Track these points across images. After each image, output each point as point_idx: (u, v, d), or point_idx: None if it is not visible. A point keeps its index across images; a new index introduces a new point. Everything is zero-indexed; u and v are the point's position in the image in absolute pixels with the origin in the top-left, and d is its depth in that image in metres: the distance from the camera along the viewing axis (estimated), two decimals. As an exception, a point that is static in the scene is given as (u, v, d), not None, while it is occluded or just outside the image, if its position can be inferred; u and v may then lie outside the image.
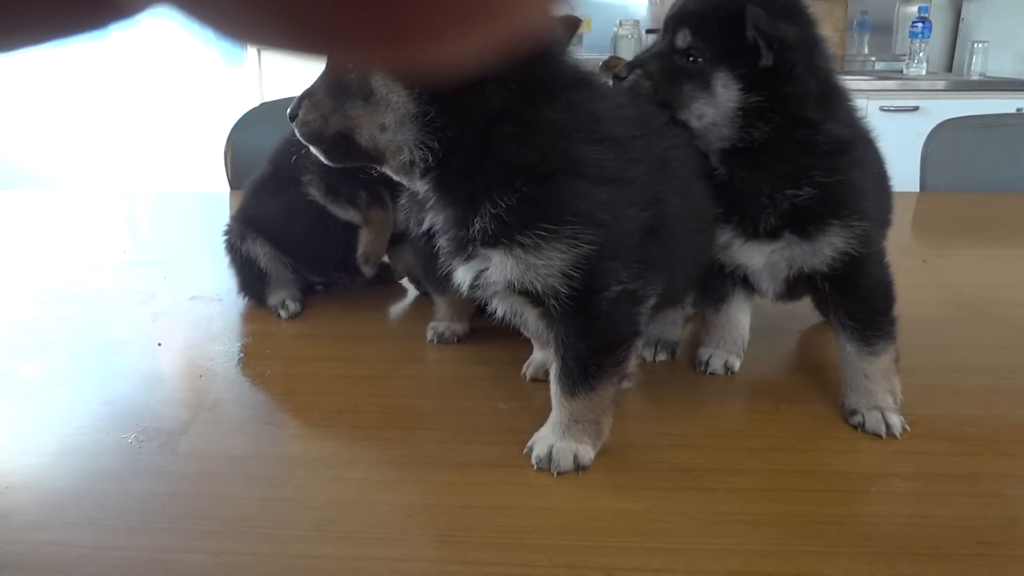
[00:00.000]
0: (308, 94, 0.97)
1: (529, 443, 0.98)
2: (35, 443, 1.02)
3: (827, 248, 1.04)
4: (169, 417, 1.08)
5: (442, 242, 0.97)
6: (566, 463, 0.94)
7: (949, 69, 5.12)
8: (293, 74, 4.21)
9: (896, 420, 1.03)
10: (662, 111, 1.04)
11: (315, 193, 1.39)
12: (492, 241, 0.91)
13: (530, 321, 1.00)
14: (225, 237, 1.52)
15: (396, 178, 0.99)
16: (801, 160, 1.00)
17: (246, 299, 1.50)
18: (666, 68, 1.02)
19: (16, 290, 1.62)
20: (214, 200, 2.49)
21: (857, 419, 1.05)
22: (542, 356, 1.16)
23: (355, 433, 1.04)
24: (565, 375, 0.95)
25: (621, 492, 0.91)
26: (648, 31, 4.90)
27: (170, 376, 1.24)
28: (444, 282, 1.18)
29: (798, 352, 1.32)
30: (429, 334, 1.31)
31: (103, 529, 0.85)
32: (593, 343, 0.94)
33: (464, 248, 0.94)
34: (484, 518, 0.86)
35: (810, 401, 1.13)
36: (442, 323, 1.32)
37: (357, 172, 1.16)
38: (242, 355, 1.28)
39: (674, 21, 1.02)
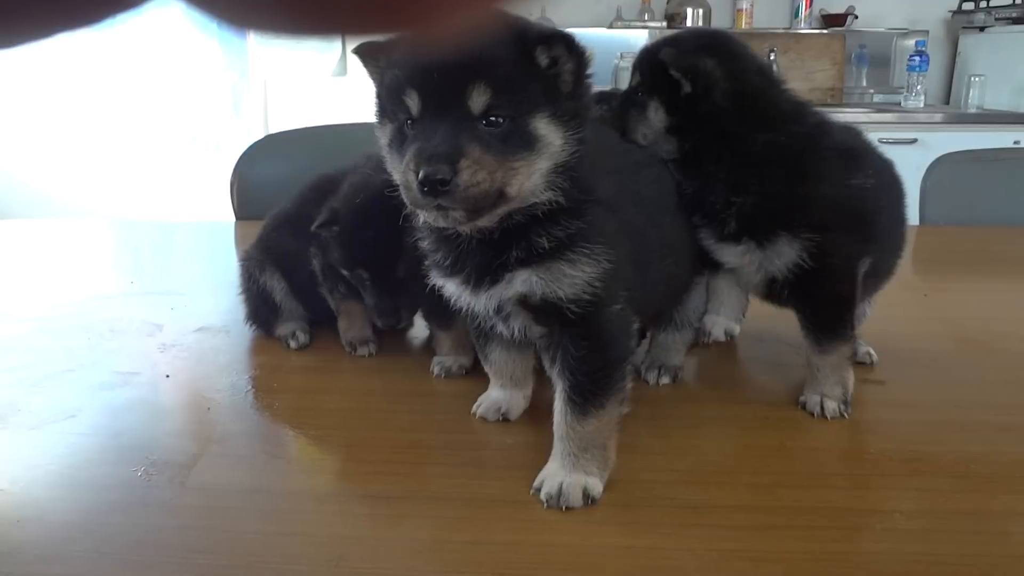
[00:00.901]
0: (455, 154, 0.87)
1: (537, 481, 0.99)
2: (45, 475, 1.03)
3: (776, 259, 1.16)
4: (178, 450, 1.09)
5: (456, 280, 1.02)
6: (576, 499, 0.95)
7: (947, 102, 5.17)
8: (298, 106, 4.25)
9: (832, 406, 1.17)
10: (634, 149, 1.21)
11: (314, 264, 1.43)
12: (529, 260, 0.97)
13: (533, 337, 1.06)
14: (242, 263, 1.53)
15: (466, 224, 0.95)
16: (738, 170, 1.15)
17: (253, 328, 1.51)
18: (623, 102, 1.23)
19: (24, 320, 1.63)
20: (220, 230, 2.51)
21: (801, 400, 1.20)
22: (499, 395, 1.19)
23: (364, 467, 1.04)
24: (576, 394, 0.99)
25: (628, 528, 0.91)
26: (649, 63, 4.94)
27: (178, 408, 1.25)
28: (450, 318, 1.21)
29: (801, 388, 1.32)
30: (436, 369, 1.32)
31: (114, 563, 0.85)
32: (602, 354, 1.00)
33: (492, 275, 0.99)
34: (493, 554, 0.86)
35: (814, 437, 1.14)
36: (448, 357, 1.33)
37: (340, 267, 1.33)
38: (250, 388, 1.29)
39: (632, 68, 1.24)
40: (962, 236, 2.36)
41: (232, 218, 2.54)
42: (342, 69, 4.18)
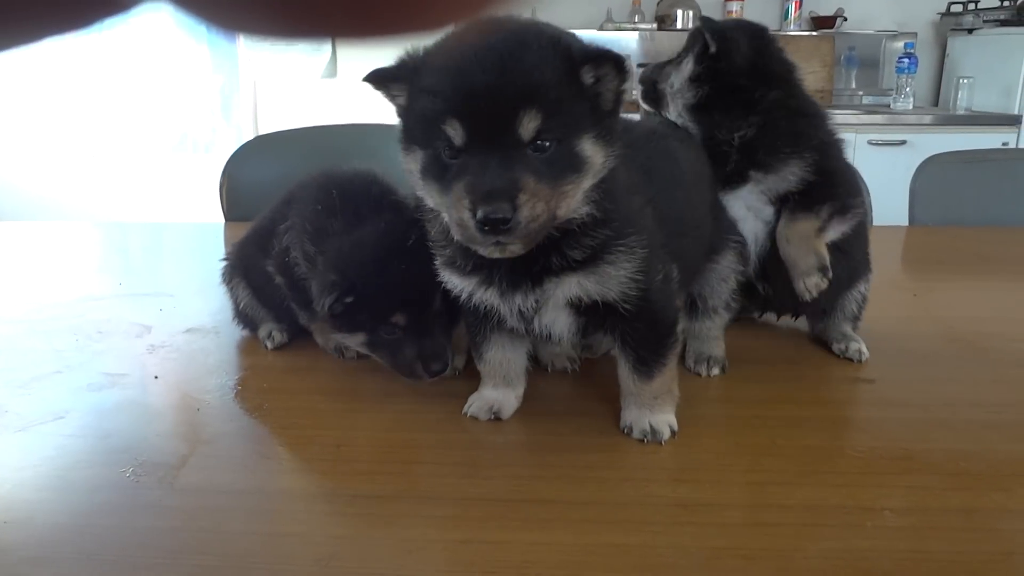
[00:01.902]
0: (513, 189, 0.87)
1: (624, 423, 1.11)
2: (33, 477, 1.02)
3: (790, 175, 1.31)
4: (167, 451, 1.08)
5: (479, 281, 1.04)
6: (666, 433, 1.09)
7: (935, 104, 5.20)
8: (288, 108, 4.25)
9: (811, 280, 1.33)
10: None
11: (279, 280, 1.35)
12: (571, 267, 1.01)
13: (558, 332, 1.09)
14: (221, 268, 1.53)
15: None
16: (745, 116, 1.33)
17: (241, 328, 1.50)
18: (663, 65, 1.44)
19: (11, 322, 1.61)
20: (209, 232, 2.50)
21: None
22: (491, 394, 1.19)
23: (354, 467, 1.04)
24: (640, 364, 1.09)
25: (619, 526, 0.91)
26: (639, 65, 4.96)
27: (167, 409, 1.24)
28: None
29: (794, 386, 1.33)
30: None
31: (102, 564, 0.85)
32: (657, 330, 1.09)
33: (532, 278, 1.02)
34: (484, 553, 0.86)
35: (806, 435, 1.14)
36: None
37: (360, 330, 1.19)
38: (239, 388, 1.28)
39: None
40: (951, 237, 2.37)
41: (222, 219, 2.54)
42: (332, 71, 4.18)
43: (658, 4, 5.25)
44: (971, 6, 4.92)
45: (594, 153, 0.93)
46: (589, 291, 1.02)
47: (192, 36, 4.29)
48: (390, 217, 1.19)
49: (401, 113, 0.98)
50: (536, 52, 0.89)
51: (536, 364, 1.30)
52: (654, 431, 1.09)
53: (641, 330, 1.07)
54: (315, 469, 1.06)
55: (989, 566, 0.85)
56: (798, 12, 5.16)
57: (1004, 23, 4.68)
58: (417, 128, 0.94)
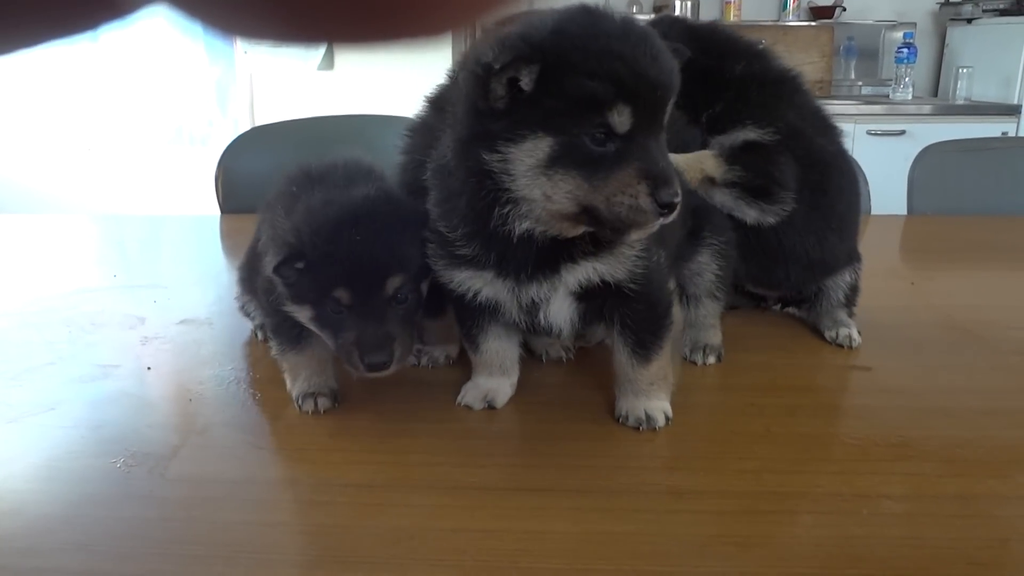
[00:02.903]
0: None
1: (618, 411, 1.11)
2: (23, 468, 1.02)
3: (740, 136, 1.35)
4: (159, 442, 1.08)
5: (491, 275, 1.06)
6: (661, 420, 1.09)
7: (935, 94, 5.19)
8: (284, 101, 4.23)
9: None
10: None
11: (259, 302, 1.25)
12: (592, 253, 1.03)
13: (559, 322, 1.09)
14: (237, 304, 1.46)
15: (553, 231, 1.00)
16: (714, 92, 1.37)
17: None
18: None
19: (4, 315, 1.61)
20: (205, 224, 2.49)
21: None
22: (485, 382, 1.19)
23: (346, 456, 1.03)
24: (639, 347, 1.10)
25: (612, 515, 0.91)
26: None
27: (160, 400, 1.24)
28: (441, 307, 1.19)
29: (789, 374, 1.32)
30: (423, 359, 1.31)
31: (92, 555, 0.84)
32: (656, 310, 1.10)
33: (548, 266, 1.04)
34: (476, 541, 0.86)
35: (801, 423, 1.13)
36: (435, 347, 1.31)
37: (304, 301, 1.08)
38: (232, 379, 1.27)
39: None
40: (949, 225, 2.36)
41: (218, 212, 2.53)
42: (328, 64, 4.16)
43: (656, -5, 5.24)
44: (970, -5, 4.91)
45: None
46: (602, 273, 1.04)
47: (188, 36, 4.28)
48: (365, 189, 1.09)
49: (515, 100, 0.91)
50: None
51: (530, 354, 1.29)
52: (649, 418, 1.09)
53: (641, 311, 1.09)
54: (307, 458, 1.05)
55: (985, 553, 0.84)
56: (797, 2, 5.14)
57: (1003, 12, 4.67)
58: (554, 114, 0.90)
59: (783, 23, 5.13)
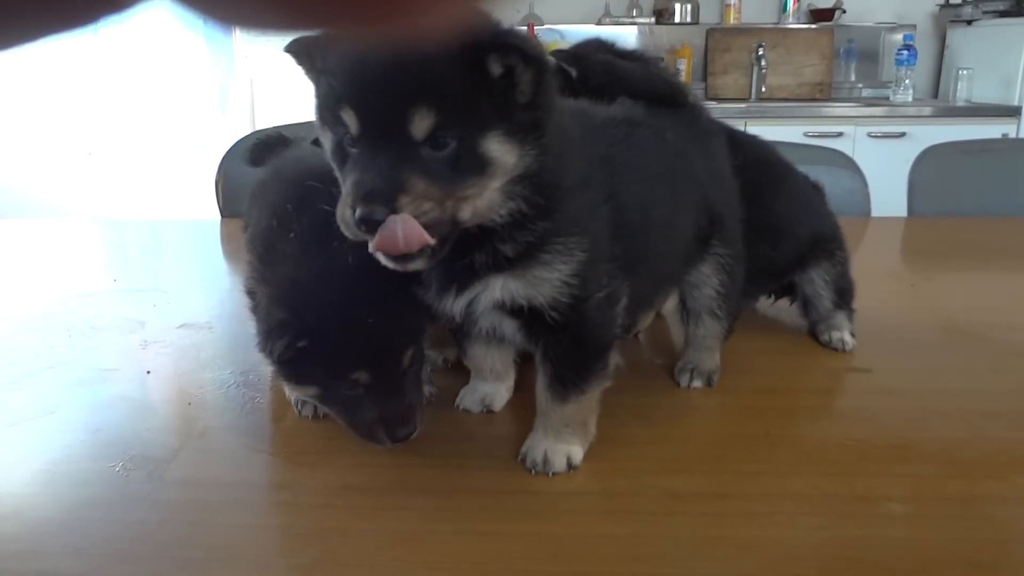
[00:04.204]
0: (395, 190, 0.79)
1: (522, 450, 1.02)
2: (22, 472, 1.02)
3: None
4: (158, 445, 1.08)
5: (429, 280, 0.96)
6: (560, 465, 0.99)
7: (935, 95, 5.19)
8: (284, 102, 4.24)
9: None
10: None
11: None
12: (499, 267, 0.92)
13: (508, 334, 1.01)
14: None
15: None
16: None
17: None
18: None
19: (4, 319, 1.61)
20: (206, 228, 2.49)
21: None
22: (481, 387, 1.17)
23: (345, 460, 1.03)
24: (557, 382, 0.99)
25: (611, 517, 0.91)
26: (637, 59, 4.94)
27: (159, 404, 1.24)
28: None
29: (787, 376, 1.32)
30: None
31: (91, 558, 0.84)
32: (584, 350, 0.99)
33: (459, 280, 0.93)
34: (474, 544, 0.86)
35: (800, 425, 1.13)
36: (432, 351, 1.31)
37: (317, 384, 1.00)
38: (232, 382, 1.27)
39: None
40: (949, 227, 2.36)
41: (218, 216, 2.53)
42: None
43: (656, -2, 5.24)
44: (970, -3, 4.91)
45: (503, 152, 0.84)
46: (515, 294, 0.93)
47: (189, 32, 4.29)
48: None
49: (314, 90, 0.89)
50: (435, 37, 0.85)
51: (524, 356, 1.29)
52: (547, 461, 0.99)
53: (565, 345, 0.98)
54: (305, 462, 1.05)
55: (984, 554, 0.84)
56: (796, 5, 5.14)
57: (1003, 14, 4.66)
58: (325, 109, 0.86)
59: (783, 25, 5.14)
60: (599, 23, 5.15)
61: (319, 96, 0.87)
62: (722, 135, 1.28)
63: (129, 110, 4.42)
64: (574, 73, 1.25)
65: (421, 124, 0.79)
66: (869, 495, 0.95)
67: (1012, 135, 4.37)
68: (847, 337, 1.38)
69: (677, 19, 5.17)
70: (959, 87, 4.76)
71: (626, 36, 5.13)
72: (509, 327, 1.00)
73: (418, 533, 0.88)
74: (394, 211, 0.78)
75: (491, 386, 1.17)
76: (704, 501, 0.94)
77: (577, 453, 1.01)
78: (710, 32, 5.11)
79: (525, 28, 4.85)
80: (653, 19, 5.18)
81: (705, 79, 5.12)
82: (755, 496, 0.95)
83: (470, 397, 1.17)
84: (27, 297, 1.77)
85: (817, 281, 1.42)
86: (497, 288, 0.93)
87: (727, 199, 1.23)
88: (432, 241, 0.81)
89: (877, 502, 0.93)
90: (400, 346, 0.98)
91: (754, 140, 1.45)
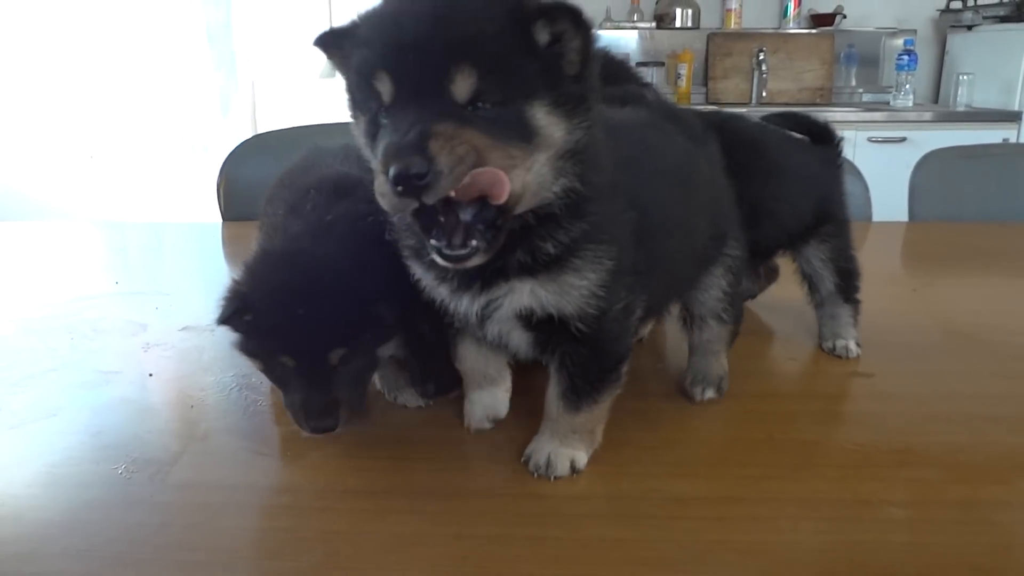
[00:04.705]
0: (426, 137, 0.74)
1: (526, 452, 1.02)
2: (23, 474, 1.02)
3: None
4: (159, 448, 1.08)
5: (445, 283, 0.93)
6: (563, 469, 0.98)
7: (935, 100, 5.19)
8: (286, 108, 4.24)
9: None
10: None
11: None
12: (531, 270, 0.89)
13: (513, 344, 0.99)
14: None
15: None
16: None
17: None
18: None
19: (7, 321, 1.61)
20: (207, 231, 2.49)
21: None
22: (481, 399, 1.11)
23: (347, 463, 1.03)
24: (572, 393, 0.98)
25: (615, 521, 0.91)
26: (638, 64, 4.96)
27: (161, 407, 1.24)
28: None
29: (790, 380, 1.32)
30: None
31: (92, 561, 0.84)
32: (601, 361, 0.98)
33: (483, 279, 0.90)
34: (478, 548, 0.85)
35: (803, 429, 1.13)
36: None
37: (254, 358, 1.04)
38: (234, 385, 1.27)
39: None
40: (950, 232, 2.36)
41: (219, 219, 2.53)
42: (331, 70, 4.17)
43: (657, 3, 5.25)
44: (970, 2, 4.91)
45: (550, 123, 0.80)
46: (544, 302, 0.90)
47: (191, 34, 4.29)
48: (328, 243, 1.03)
49: (345, 77, 0.87)
50: (477, 4, 0.78)
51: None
52: (549, 464, 0.98)
53: (584, 357, 0.96)
54: (307, 465, 1.05)
55: (987, 559, 0.84)
56: (797, 10, 5.15)
57: (1003, 19, 4.67)
58: (357, 89, 0.83)
59: (783, 31, 5.15)
60: (600, 27, 5.15)
61: (350, 77, 0.85)
62: (715, 141, 1.24)
63: (131, 113, 4.42)
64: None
65: (463, 84, 0.76)
66: (872, 499, 0.95)
67: (1012, 140, 4.37)
68: (852, 346, 1.38)
69: (678, 24, 5.17)
70: (959, 92, 4.77)
71: (627, 41, 5.14)
72: (518, 338, 0.97)
73: (420, 536, 0.88)
74: (430, 159, 0.72)
75: (489, 394, 1.12)
76: (707, 505, 0.93)
77: (581, 458, 1.00)
78: (711, 37, 5.12)
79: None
80: (654, 24, 5.19)
81: (706, 84, 5.13)
82: (758, 500, 0.95)
83: (475, 415, 1.11)
84: (29, 299, 1.77)
85: (814, 261, 1.41)
86: (525, 293, 0.90)
87: (729, 203, 1.22)
88: (499, 192, 0.77)
89: (880, 506, 0.93)
90: (327, 344, 0.99)
91: (733, 121, 1.42)
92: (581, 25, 0.80)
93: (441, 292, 0.95)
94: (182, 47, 4.32)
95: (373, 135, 0.82)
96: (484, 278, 0.90)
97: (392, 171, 0.73)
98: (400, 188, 0.73)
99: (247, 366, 1.34)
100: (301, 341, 0.99)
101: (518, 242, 0.87)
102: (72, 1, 4.25)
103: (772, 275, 1.63)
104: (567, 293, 0.90)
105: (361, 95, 0.83)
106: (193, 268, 2.13)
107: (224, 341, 1.47)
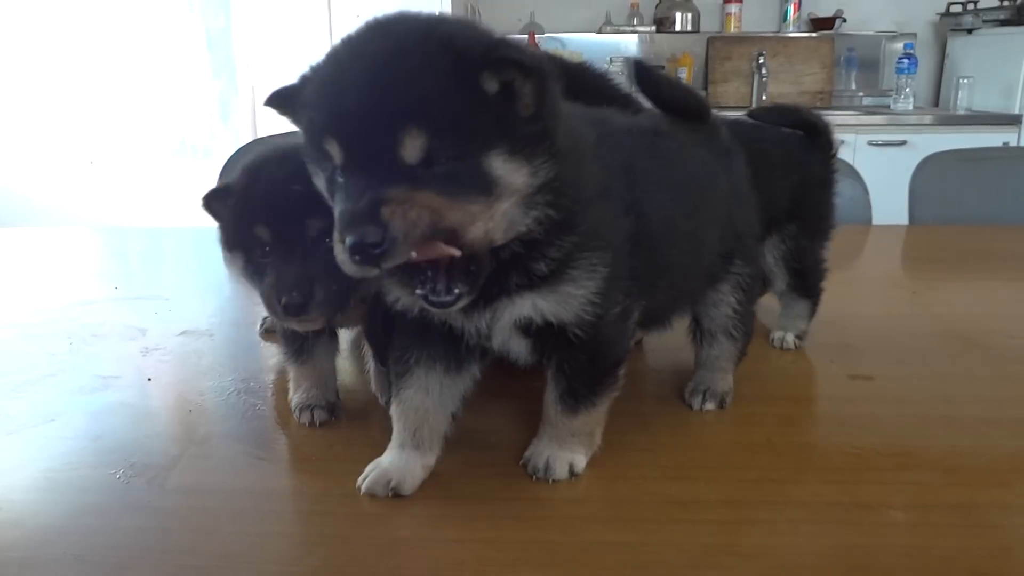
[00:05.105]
0: (379, 204, 0.74)
1: (526, 455, 1.01)
2: (22, 479, 1.01)
3: None
4: (158, 452, 1.07)
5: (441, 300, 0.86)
6: (562, 472, 0.98)
7: (935, 104, 5.20)
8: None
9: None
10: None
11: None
12: (531, 284, 0.89)
13: (514, 351, 0.97)
14: None
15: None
16: None
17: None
18: None
19: (5, 327, 1.61)
20: (206, 236, 2.49)
21: None
22: (391, 462, 0.99)
23: (346, 467, 1.02)
24: (569, 396, 0.98)
25: (613, 524, 0.90)
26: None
27: (160, 411, 1.23)
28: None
29: (789, 384, 1.32)
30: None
31: (90, 566, 0.84)
32: (598, 364, 0.98)
33: (486, 295, 0.89)
34: (476, 551, 0.85)
35: (803, 432, 1.13)
36: None
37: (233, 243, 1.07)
38: (232, 390, 1.27)
39: None
40: (950, 235, 2.36)
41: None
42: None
43: (657, 6, 5.25)
44: (970, 6, 4.92)
45: (509, 171, 0.79)
46: (544, 312, 0.90)
47: (191, 40, 4.30)
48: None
49: (302, 132, 0.86)
50: (421, 59, 0.76)
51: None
52: (548, 467, 0.98)
53: (581, 361, 0.96)
54: (306, 469, 1.05)
55: (988, 562, 0.84)
56: (797, 14, 5.16)
57: (1004, 23, 4.67)
58: (311, 149, 0.83)
59: (783, 34, 5.15)
60: (600, 32, 5.16)
61: (305, 136, 0.84)
62: (741, 152, 1.22)
63: (131, 118, 4.43)
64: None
65: (412, 146, 0.75)
66: (871, 503, 0.94)
67: (1013, 143, 4.37)
68: (788, 338, 1.40)
69: (678, 27, 5.18)
70: (959, 96, 4.77)
71: (627, 44, 5.14)
72: (518, 345, 0.96)
73: (419, 540, 0.88)
74: (384, 225, 0.73)
75: (405, 459, 0.99)
76: (706, 508, 0.93)
77: (580, 461, 1.00)
78: (711, 40, 5.13)
79: (526, 37, 4.86)
80: (654, 27, 5.20)
81: (706, 87, 5.13)
82: (757, 504, 0.95)
83: (379, 479, 0.97)
84: (28, 305, 1.77)
85: (768, 258, 1.41)
86: (526, 306, 0.90)
87: (748, 217, 1.20)
88: (455, 252, 0.78)
89: (879, 510, 0.93)
90: (302, 210, 0.96)
91: None
92: (530, 71, 0.78)
93: (450, 313, 0.92)
94: (182, 53, 4.32)
95: (332, 193, 0.82)
96: (486, 297, 0.89)
97: (348, 241, 0.73)
98: (357, 258, 0.74)
99: (246, 370, 1.35)
100: (278, 208, 0.99)
101: (511, 266, 0.87)
102: (72, 7, 4.25)
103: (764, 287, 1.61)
104: (566, 302, 0.90)
105: (315, 155, 0.82)
106: (192, 273, 2.13)
107: (223, 346, 1.48)
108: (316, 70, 0.84)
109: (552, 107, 0.83)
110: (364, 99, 0.76)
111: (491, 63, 0.77)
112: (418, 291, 0.83)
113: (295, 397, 1.16)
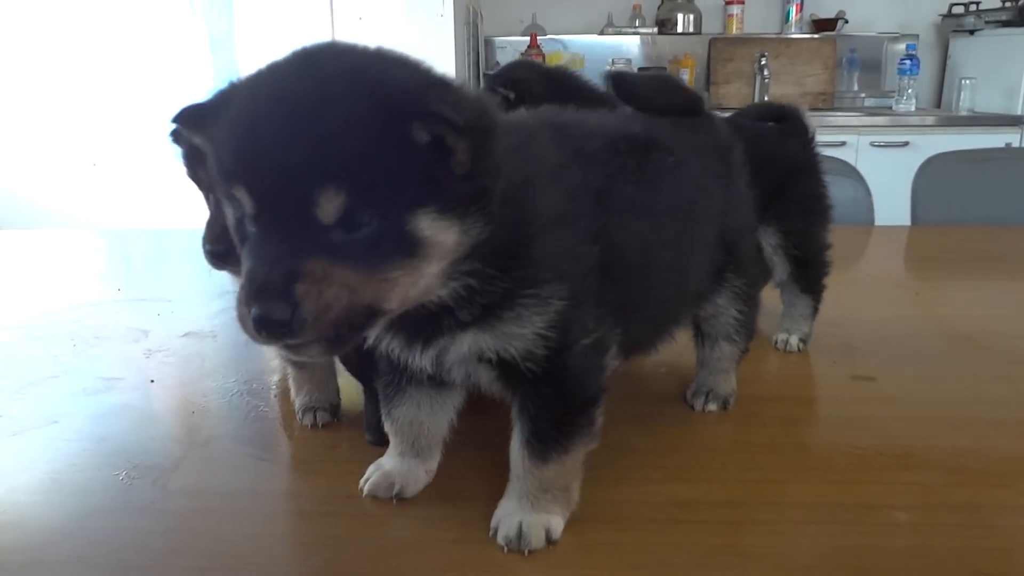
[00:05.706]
0: (291, 279, 0.67)
1: (493, 521, 0.89)
2: (26, 481, 1.02)
3: None
4: (161, 454, 1.08)
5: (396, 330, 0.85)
6: (538, 540, 0.86)
7: (938, 105, 5.19)
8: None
9: None
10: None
11: None
12: (466, 325, 0.81)
13: (484, 383, 0.90)
14: None
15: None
16: None
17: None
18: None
19: (9, 328, 1.61)
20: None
21: None
22: (393, 466, 0.99)
23: (349, 468, 1.03)
24: (536, 439, 0.87)
25: (615, 524, 0.90)
26: (640, 69, 4.97)
27: (163, 413, 1.24)
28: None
29: (791, 384, 1.32)
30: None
31: (93, 567, 0.84)
32: (566, 402, 0.88)
33: (424, 334, 0.84)
34: (478, 552, 0.85)
35: (804, 433, 1.13)
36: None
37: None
38: (235, 391, 1.27)
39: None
40: (953, 236, 2.36)
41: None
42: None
43: (659, 8, 5.26)
44: (972, 7, 4.91)
45: (437, 231, 0.71)
46: (485, 347, 0.82)
47: (193, 40, 4.31)
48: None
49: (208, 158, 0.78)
50: (346, 107, 0.67)
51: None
52: (521, 535, 0.85)
53: (546, 397, 0.86)
54: (309, 470, 1.05)
55: (990, 563, 0.83)
56: (799, 15, 5.16)
57: (1006, 24, 4.67)
58: (220, 189, 0.74)
59: (786, 35, 5.15)
60: (602, 33, 5.16)
61: (213, 171, 0.75)
62: (740, 145, 1.17)
63: (134, 121, 4.44)
64: (512, 96, 1.28)
65: (329, 207, 0.67)
66: (874, 503, 0.94)
67: (1015, 144, 4.36)
68: (793, 341, 1.39)
69: (680, 29, 5.18)
70: (962, 97, 4.77)
71: (629, 46, 5.15)
72: (485, 375, 0.88)
73: (421, 541, 0.88)
74: (294, 305, 0.66)
75: (407, 465, 0.99)
76: (708, 509, 0.93)
77: (558, 524, 0.88)
78: (713, 42, 5.13)
79: (528, 39, 4.87)
80: (656, 29, 5.20)
81: (708, 89, 5.13)
82: (759, 504, 0.95)
83: (381, 483, 0.97)
84: (32, 307, 1.77)
85: (765, 246, 1.40)
86: (465, 343, 0.83)
87: (743, 221, 1.16)
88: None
89: (882, 510, 0.93)
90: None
91: None
92: (462, 129, 0.68)
93: (394, 346, 0.87)
94: (185, 56, 4.33)
95: (241, 239, 0.74)
96: (424, 334, 0.83)
97: (253, 313, 0.67)
98: (264, 332, 0.68)
99: (249, 372, 1.35)
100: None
101: (440, 313, 0.81)
102: (75, 10, 4.27)
103: (765, 276, 1.61)
104: (509, 340, 0.82)
105: (225, 194, 0.74)
106: (195, 275, 2.13)
107: (226, 347, 1.48)
108: (234, 94, 0.75)
109: (490, 165, 0.74)
110: (279, 150, 0.67)
111: (420, 115, 0.68)
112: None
113: (298, 399, 1.17)
